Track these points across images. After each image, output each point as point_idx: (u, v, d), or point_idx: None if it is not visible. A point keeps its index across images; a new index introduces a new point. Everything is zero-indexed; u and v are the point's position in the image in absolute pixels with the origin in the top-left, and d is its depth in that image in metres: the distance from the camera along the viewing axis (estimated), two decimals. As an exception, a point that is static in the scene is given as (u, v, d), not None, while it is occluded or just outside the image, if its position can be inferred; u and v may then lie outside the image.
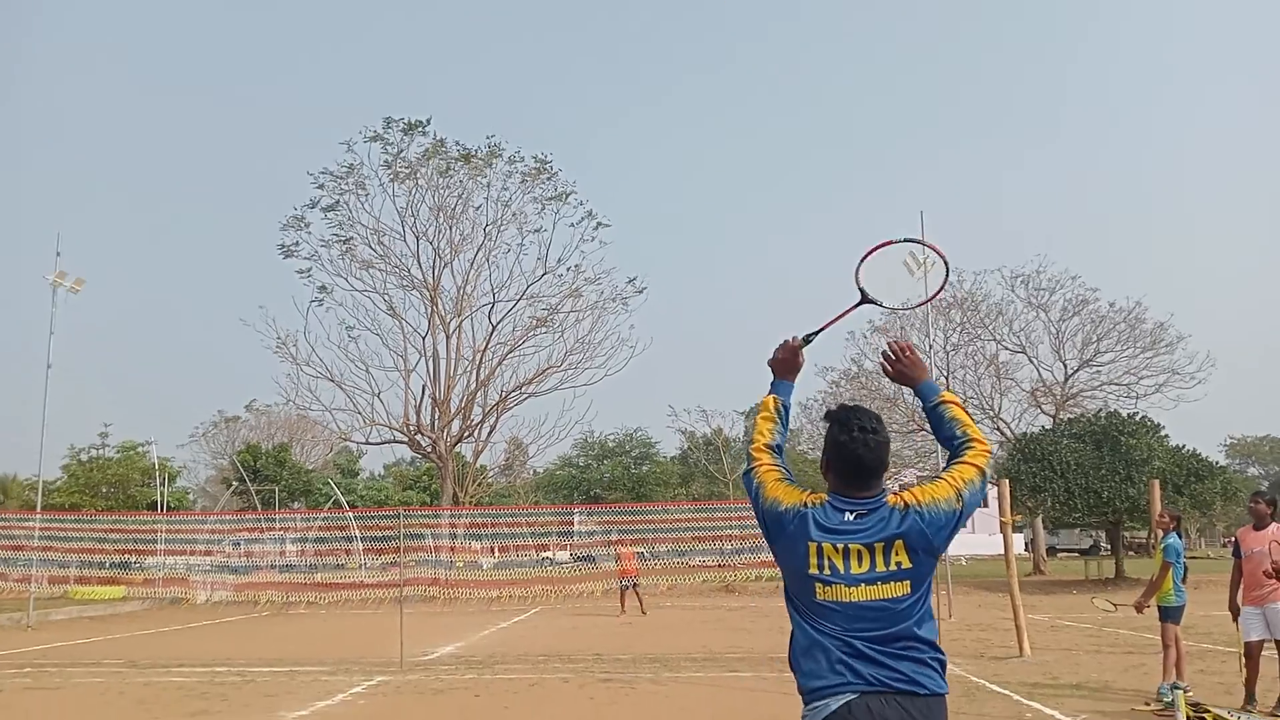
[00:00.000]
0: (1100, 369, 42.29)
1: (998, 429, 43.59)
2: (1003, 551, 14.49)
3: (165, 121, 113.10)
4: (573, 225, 37.80)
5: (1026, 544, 48.47)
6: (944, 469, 2.95)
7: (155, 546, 27.33)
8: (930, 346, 29.70)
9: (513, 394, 37.89)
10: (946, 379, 42.02)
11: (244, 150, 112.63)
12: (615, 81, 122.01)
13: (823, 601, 2.77)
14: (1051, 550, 54.55)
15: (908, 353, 3.19)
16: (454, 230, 37.42)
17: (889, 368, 3.20)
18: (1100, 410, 36.29)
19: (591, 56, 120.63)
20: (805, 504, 2.86)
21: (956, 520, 2.81)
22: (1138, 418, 32.48)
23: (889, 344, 3.20)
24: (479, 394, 37.64)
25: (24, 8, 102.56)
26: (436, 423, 37.01)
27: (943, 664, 2.80)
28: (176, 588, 27.84)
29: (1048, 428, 37.20)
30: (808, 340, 3.29)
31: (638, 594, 22.29)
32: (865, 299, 3.50)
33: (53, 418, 24.07)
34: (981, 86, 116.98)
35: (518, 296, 37.68)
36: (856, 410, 2.92)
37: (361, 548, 32.49)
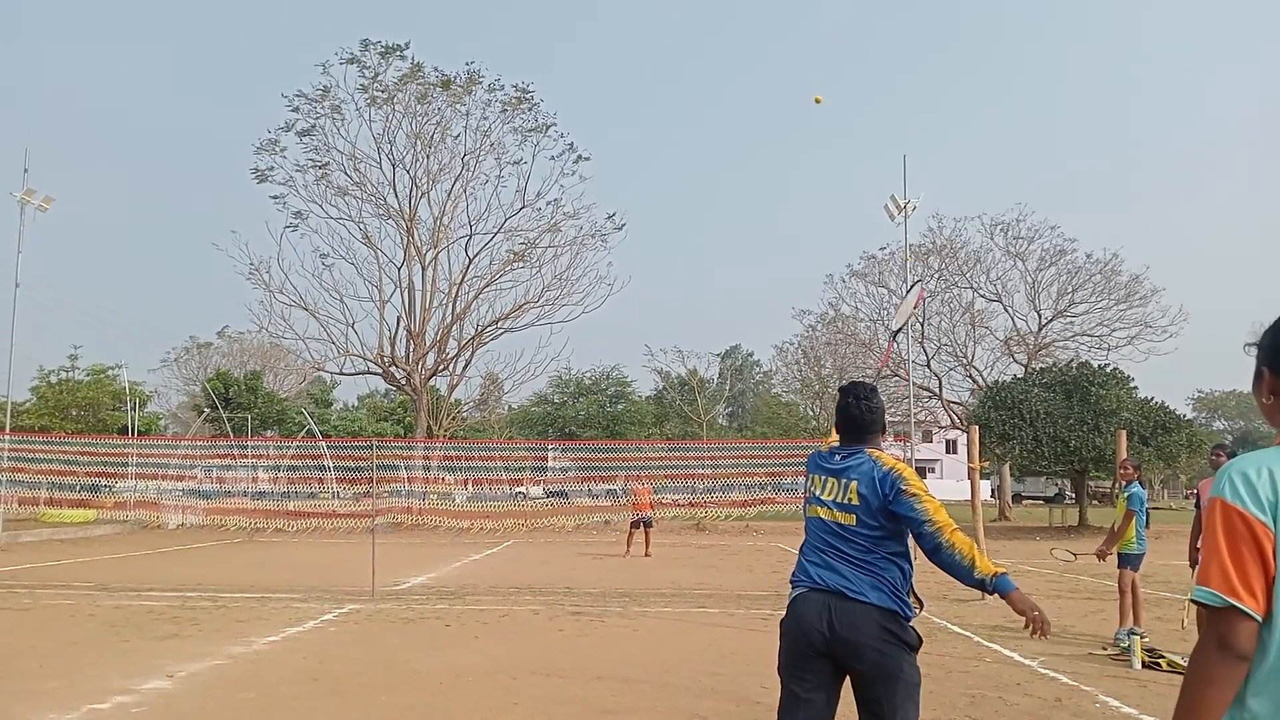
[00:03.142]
0: (1074, 320, 42.69)
1: (970, 377, 44.00)
2: (969, 497, 14.69)
3: (138, 34, 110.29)
4: (553, 159, 37.45)
5: (993, 490, 49.24)
6: (937, 520, 3.59)
7: (126, 470, 27.20)
8: (906, 294, 29.65)
9: (489, 329, 37.78)
10: (923, 326, 42.28)
11: (219, 69, 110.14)
12: (606, 16, 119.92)
13: (809, 516, 3.80)
14: (1017, 497, 55.47)
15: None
16: (431, 159, 36.90)
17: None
18: (1072, 361, 36.66)
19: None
20: (810, 456, 3.95)
21: (891, 488, 3.59)
22: (1109, 369, 32.82)
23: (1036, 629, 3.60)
24: (454, 328, 37.49)
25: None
26: (411, 355, 36.87)
27: (895, 590, 3.56)
28: (147, 512, 27.80)
29: (1019, 376, 37.58)
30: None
31: (647, 534, 21.01)
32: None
33: (21, 339, 23.77)
34: (967, 27, 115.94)
35: (495, 229, 37.39)
36: (859, 385, 3.95)
37: (335, 477, 32.52)
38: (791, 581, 3.77)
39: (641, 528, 20.98)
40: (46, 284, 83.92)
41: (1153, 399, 31.54)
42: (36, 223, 23.49)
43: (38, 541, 24.10)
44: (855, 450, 3.76)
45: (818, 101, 17.94)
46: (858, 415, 3.81)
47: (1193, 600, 1.68)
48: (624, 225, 38.05)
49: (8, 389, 26.67)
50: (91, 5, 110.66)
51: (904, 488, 3.60)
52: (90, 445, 26.95)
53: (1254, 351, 1.94)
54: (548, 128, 37.01)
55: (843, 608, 3.51)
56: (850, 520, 3.61)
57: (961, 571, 3.59)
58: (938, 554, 3.57)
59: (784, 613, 3.75)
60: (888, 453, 3.77)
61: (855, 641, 3.47)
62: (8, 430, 24.49)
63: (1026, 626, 3.57)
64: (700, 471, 27.29)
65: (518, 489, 39.23)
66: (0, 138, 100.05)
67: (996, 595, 3.60)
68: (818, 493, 3.76)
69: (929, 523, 3.57)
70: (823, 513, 3.70)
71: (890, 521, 3.60)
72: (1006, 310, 43.62)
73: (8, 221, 58.99)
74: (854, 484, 3.64)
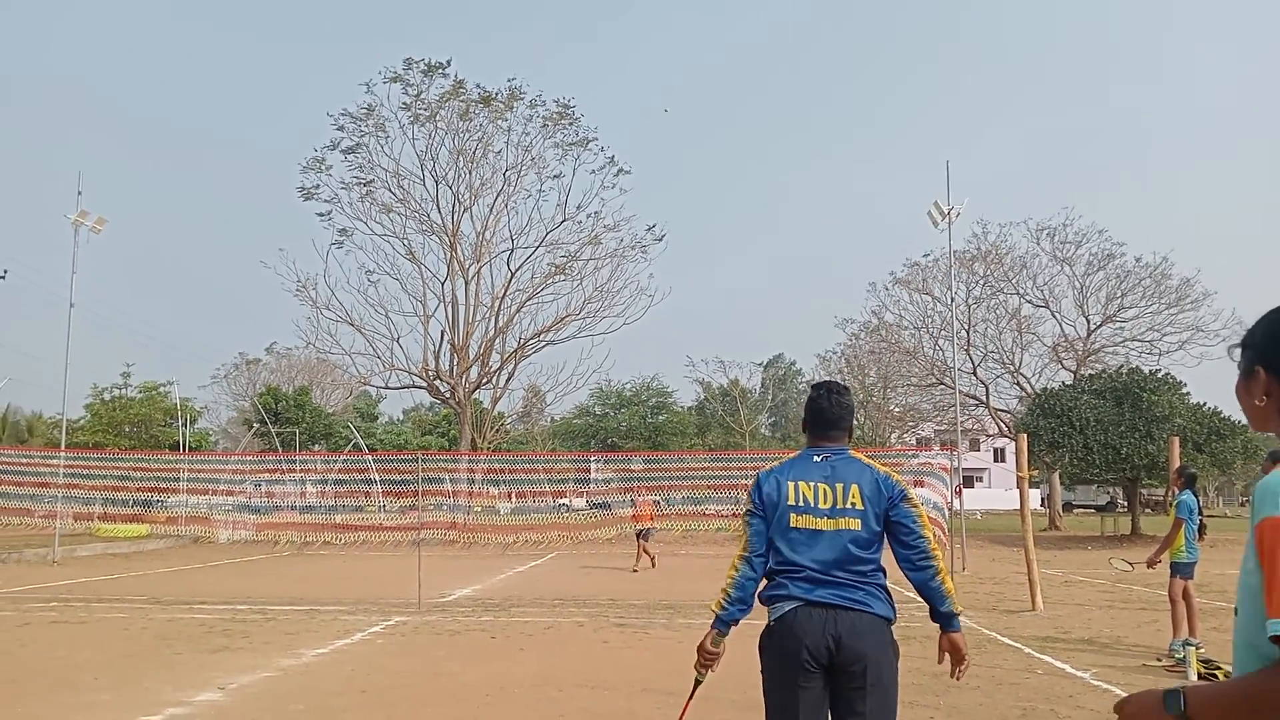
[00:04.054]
0: (1124, 325, 41.89)
1: (1017, 384, 43.38)
2: (1018, 506, 14.48)
3: (189, 59, 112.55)
4: (593, 172, 37.62)
5: (1043, 499, 48.47)
6: (929, 538, 3.56)
7: (178, 485, 27.67)
8: (952, 300, 29.42)
9: (531, 341, 38.01)
10: (968, 334, 41.80)
11: (267, 88, 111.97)
12: (635, 26, 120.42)
13: (792, 528, 3.48)
14: (1068, 506, 54.53)
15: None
16: (474, 175, 37.31)
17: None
18: (1122, 366, 36.02)
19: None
20: (766, 469, 3.66)
21: (895, 494, 3.51)
22: (1160, 374, 32.20)
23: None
24: (497, 341, 37.80)
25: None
26: (455, 369, 37.17)
27: (888, 598, 3.47)
28: (199, 526, 28.26)
29: (1068, 383, 36.98)
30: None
31: (646, 546, 20.88)
32: None
33: (75, 357, 24.28)
34: (1015, 33, 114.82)
35: (537, 243, 37.66)
36: (829, 382, 3.86)
37: (380, 490, 32.83)
38: (769, 598, 3.52)
39: (643, 539, 20.94)
40: (101, 303, 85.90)
41: (1206, 404, 30.93)
42: (90, 243, 24.01)
43: (92, 556, 24.59)
44: (839, 451, 3.62)
45: (665, 112, 17.96)
46: (829, 407, 3.67)
47: (1272, 638, 1.56)
48: (664, 237, 38.16)
49: (63, 406, 27.23)
50: (142, 28, 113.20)
51: (907, 496, 3.54)
52: (143, 461, 27.44)
53: (1240, 353, 1.83)
54: (588, 142, 37.26)
55: (849, 621, 3.37)
56: (855, 525, 3.44)
57: (938, 596, 3.53)
58: (924, 572, 3.50)
59: (766, 631, 3.55)
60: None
61: (863, 654, 3.35)
62: (63, 447, 25.03)
63: (954, 669, 3.62)
64: (743, 482, 27.14)
65: (561, 501, 39.32)
66: (54, 160, 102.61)
67: (941, 630, 3.59)
68: (808, 501, 3.49)
69: (924, 539, 3.51)
70: (820, 523, 3.46)
71: (883, 528, 3.51)
72: (1054, 316, 42.97)
73: (63, 242, 60.42)
74: (855, 488, 3.48)
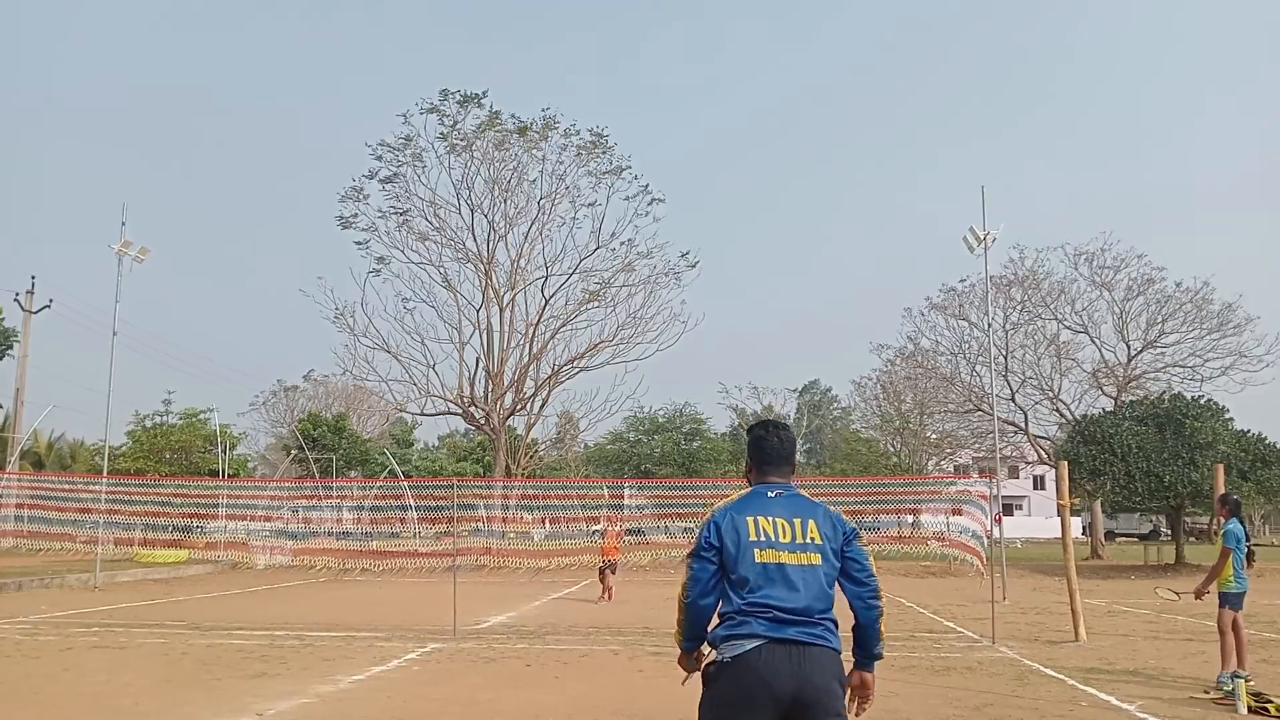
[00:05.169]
0: (1164, 350, 41.24)
1: (1057, 410, 42.82)
2: (1060, 535, 14.26)
3: (227, 94, 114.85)
4: (627, 199, 37.78)
5: (1084, 528, 47.70)
6: (876, 577, 3.57)
7: (217, 511, 27.93)
8: (989, 326, 29.13)
9: (565, 368, 38.11)
10: (1006, 359, 41.36)
11: (304, 122, 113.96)
12: (672, 51, 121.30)
13: (755, 563, 3.42)
14: (1110, 535, 53.64)
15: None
16: (508, 203, 37.61)
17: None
18: (1164, 393, 35.47)
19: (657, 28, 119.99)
20: (720, 506, 3.60)
21: (847, 531, 3.54)
22: (1202, 401, 31.69)
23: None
24: (531, 367, 37.92)
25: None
26: (489, 395, 37.34)
27: (837, 626, 3.44)
28: (237, 552, 28.50)
29: (1109, 410, 36.46)
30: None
31: (608, 582, 20.05)
32: None
33: (119, 385, 24.65)
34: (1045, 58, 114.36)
35: (571, 270, 37.82)
36: (772, 420, 3.90)
37: (416, 517, 32.95)
38: (726, 637, 3.39)
39: (609, 572, 20.09)
40: (143, 331, 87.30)
41: (1250, 431, 30.38)
42: (134, 272, 24.38)
43: (133, 581, 24.86)
44: (788, 488, 3.63)
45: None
46: (775, 444, 3.70)
47: None
48: (697, 263, 38.19)
49: (105, 433, 27.67)
50: (192, 66, 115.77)
51: (859, 535, 3.58)
52: (183, 487, 27.76)
53: None
54: (622, 170, 37.47)
55: (814, 656, 3.31)
56: (815, 560, 3.42)
57: (873, 636, 3.56)
58: (872, 611, 3.52)
59: (719, 666, 3.43)
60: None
61: (824, 689, 3.32)
62: (105, 473, 25.37)
63: (860, 706, 3.61)
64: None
65: (595, 527, 39.24)
66: (100, 189, 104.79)
67: (855, 667, 3.59)
68: (769, 536, 3.44)
69: (874, 577, 3.54)
70: (784, 557, 3.40)
71: (839, 564, 3.50)
72: (1093, 341, 42.40)
73: (108, 272, 61.54)
74: (811, 522, 3.47)
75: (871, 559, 3.56)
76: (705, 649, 3.58)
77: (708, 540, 3.52)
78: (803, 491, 3.64)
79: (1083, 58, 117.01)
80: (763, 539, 3.44)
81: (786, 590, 3.37)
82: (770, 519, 3.48)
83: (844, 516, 3.59)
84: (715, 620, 3.49)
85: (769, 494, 3.59)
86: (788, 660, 3.29)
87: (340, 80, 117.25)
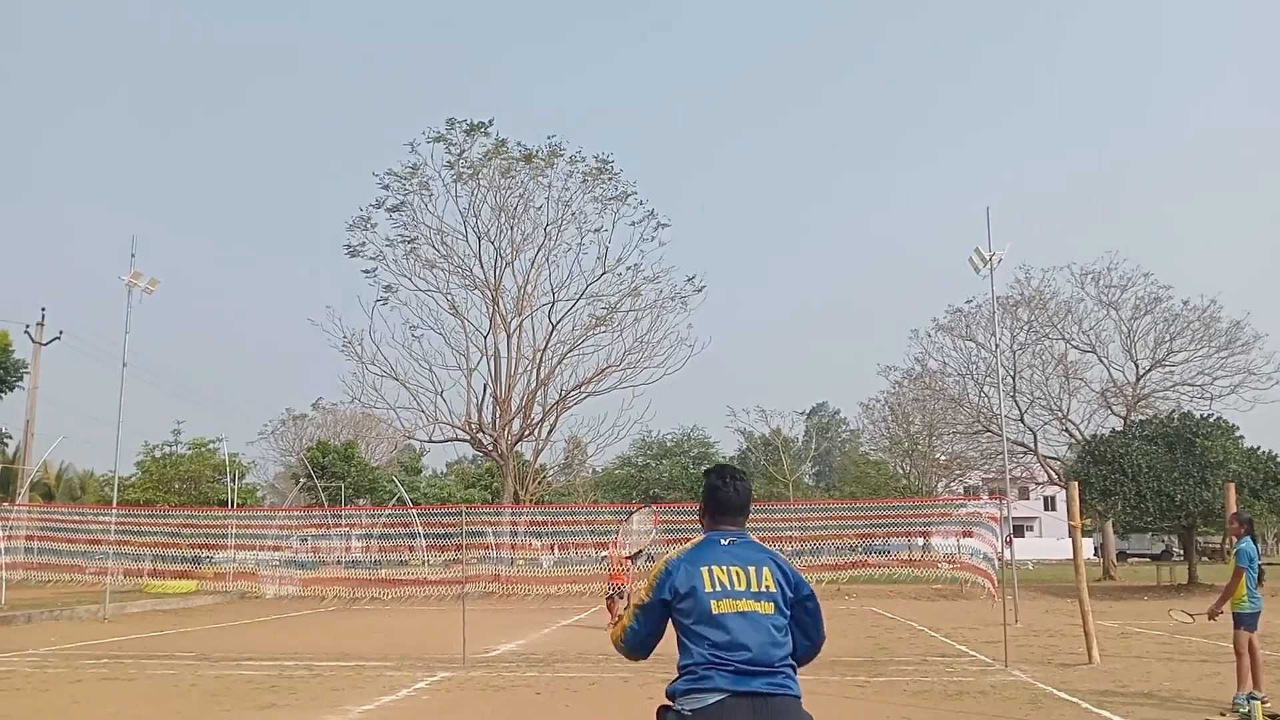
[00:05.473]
0: (1173, 369, 41.11)
1: (1066, 430, 42.67)
2: (1071, 556, 14.18)
3: (236, 123, 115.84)
4: (633, 224, 37.88)
5: (1096, 549, 47.39)
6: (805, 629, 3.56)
7: (226, 541, 27.96)
8: (996, 346, 29.11)
9: (572, 393, 38.07)
10: (1014, 380, 41.27)
11: (311, 150, 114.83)
12: (674, 75, 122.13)
13: (716, 614, 3.35)
14: (1122, 555, 53.28)
15: None
16: (515, 230, 37.71)
17: None
18: (1173, 411, 35.32)
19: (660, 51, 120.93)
20: (674, 557, 3.55)
21: (799, 580, 3.51)
22: (1212, 419, 31.53)
23: None
24: (539, 393, 37.90)
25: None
26: (497, 421, 37.33)
27: (796, 672, 3.42)
28: (246, 582, 28.48)
29: (1118, 429, 36.30)
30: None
31: (617, 610, 19.94)
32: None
33: (127, 415, 24.72)
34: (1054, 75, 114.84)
35: (577, 296, 37.86)
36: (728, 467, 3.79)
37: (424, 544, 32.89)
38: (687, 691, 3.31)
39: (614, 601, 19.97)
40: (152, 362, 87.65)
41: (1261, 449, 30.22)
42: (143, 303, 24.49)
43: (142, 612, 24.82)
44: (741, 535, 3.61)
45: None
46: (733, 496, 3.66)
47: None
48: (703, 287, 38.24)
49: (115, 464, 27.72)
50: (197, 98, 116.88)
51: (809, 585, 3.57)
52: (192, 518, 27.78)
53: None
54: (628, 195, 37.62)
55: (777, 706, 3.27)
56: (769, 609, 3.39)
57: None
58: (809, 659, 3.58)
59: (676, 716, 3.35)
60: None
61: None
62: (115, 504, 25.40)
63: None
64: (787, 534, 26.90)
65: (604, 553, 39.10)
66: (109, 223, 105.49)
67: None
68: (724, 585, 3.40)
69: (822, 624, 3.58)
70: (742, 605, 3.36)
71: (791, 613, 3.49)
72: (1101, 361, 42.28)
73: (117, 304, 61.85)
74: (766, 570, 3.45)
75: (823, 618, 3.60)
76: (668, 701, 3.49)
77: (659, 597, 3.49)
78: (754, 538, 3.64)
79: (1098, 81, 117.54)
80: (718, 589, 3.40)
81: (745, 639, 3.32)
82: (724, 568, 3.45)
83: (792, 568, 3.59)
84: (675, 674, 3.42)
85: (722, 541, 3.56)
86: (751, 714, 3.23)
87: (350, 113, 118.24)
